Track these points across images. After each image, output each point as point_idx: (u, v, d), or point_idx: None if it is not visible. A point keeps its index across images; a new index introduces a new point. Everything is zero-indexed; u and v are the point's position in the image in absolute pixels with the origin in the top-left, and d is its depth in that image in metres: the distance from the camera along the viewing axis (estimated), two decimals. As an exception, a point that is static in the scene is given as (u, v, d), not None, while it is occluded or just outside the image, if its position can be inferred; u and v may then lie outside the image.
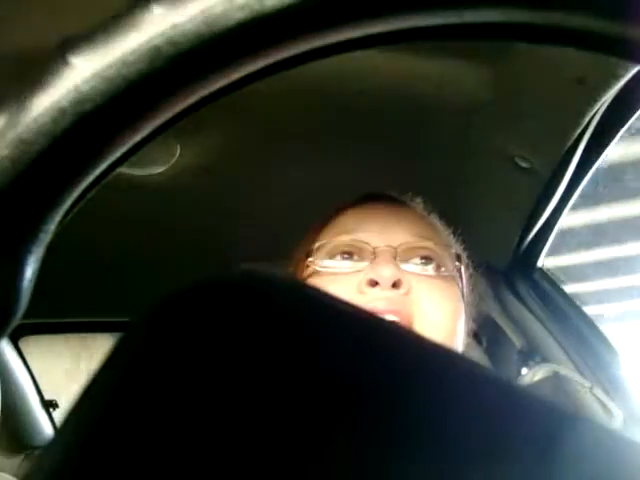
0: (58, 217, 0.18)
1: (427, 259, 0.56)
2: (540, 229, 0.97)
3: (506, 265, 1.05)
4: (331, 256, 0.57)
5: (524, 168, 0.85)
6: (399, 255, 0.54)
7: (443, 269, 0.56)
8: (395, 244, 0.55)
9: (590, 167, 0.84)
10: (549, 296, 1.03)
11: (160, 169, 0.87)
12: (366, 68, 0.69)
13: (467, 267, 0.61)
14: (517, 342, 1.04)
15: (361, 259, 0.55)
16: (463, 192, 0.92)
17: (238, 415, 0.12)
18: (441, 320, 0.53)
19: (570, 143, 0.79)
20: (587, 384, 0.69)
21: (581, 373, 0.92)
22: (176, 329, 0.13)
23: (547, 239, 0.99)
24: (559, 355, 0.97)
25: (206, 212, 1.01)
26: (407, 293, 0.52)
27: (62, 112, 0.16)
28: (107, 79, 0.16)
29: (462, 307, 0.56)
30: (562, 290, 1.03)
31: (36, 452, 1.39)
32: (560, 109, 0.74)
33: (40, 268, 0.18)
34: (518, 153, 0.83)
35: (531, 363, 0.99)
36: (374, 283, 0.52)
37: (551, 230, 0.97)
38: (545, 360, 0.97)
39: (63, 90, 0.16)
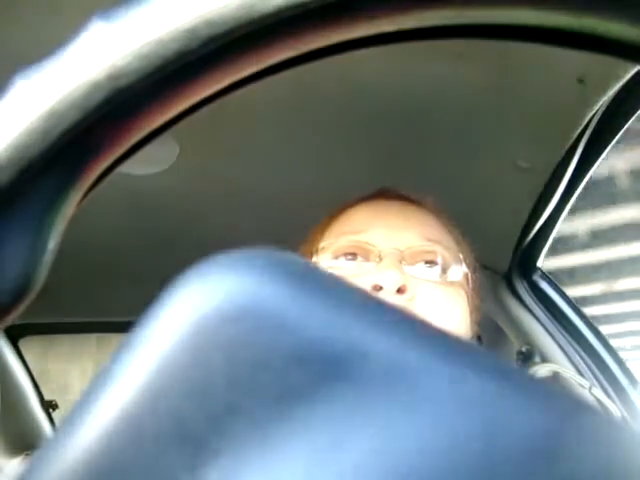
0: (79, 197, 0.18)
1: (433, 263, 0.54)
2: (540, 230, 0.97)
3: (506, 266, 1.05)
4: (336, 256, 0.56)
5: (524, 168, 0.85)
6: (405, 259, 0.53)
7: (449, 274, 0.55)
8: (402, 247, 0.53)
9: (590, 167, 0.85)
10: (548, 297, 1.03)
11: (160, 169, 0.87)
12: (366, 68, 0.69)
13: (473, 270, 0.61)
14: (516, 342, 1.04)
15: (366, 261, 0.54)
16: (463, 192, 0.92)
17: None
18: (445, 326, 0.52)
19: (570, 143, 0.79)
20: (586, 384, 0.69)
21: (580, 373, 0.92)
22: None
23: (547, 240, 0.99)
24: (558, 355, 0.97)
25: (206, 212, 1.01)
26: (411, 299, 0.51)
27: (96, 86, 0.16)
28: (143, 56, 0.16)
29: (468, 312, 0.56)
30: (561, 291, 1.03)
31: (35, 452, 1.39)
32: (560, 109, 0.74)
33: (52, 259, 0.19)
34: (518, 153, 0.83)
35: (530, 363, 0.99)
36: (379, 288, 0.51)
37: (551, 231, 0.97)
38: (544, 360, 0.97)
39: (98, 64, 0.16)
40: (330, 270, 0.55)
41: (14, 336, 1.39)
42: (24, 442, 1.39)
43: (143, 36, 0.16)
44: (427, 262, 0.54)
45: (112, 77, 0.16)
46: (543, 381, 0.13)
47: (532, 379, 0.13)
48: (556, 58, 0.66)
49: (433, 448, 0.12)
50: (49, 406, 1.51)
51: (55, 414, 1.52)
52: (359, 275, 0.53)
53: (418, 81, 0.72)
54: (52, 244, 0.18)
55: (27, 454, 1.37)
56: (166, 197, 0.95)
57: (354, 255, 0.55)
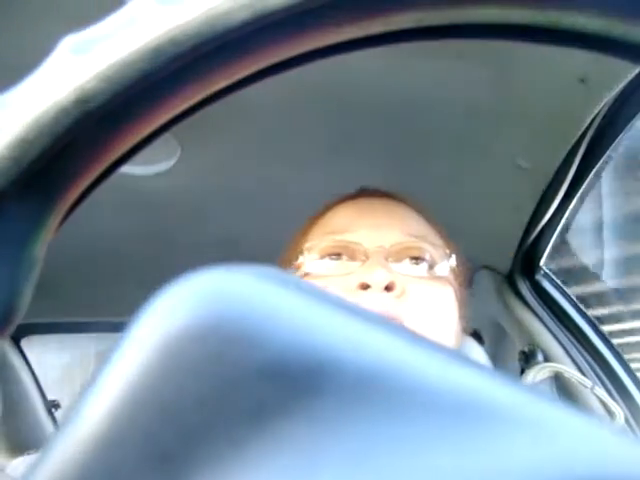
0: (59, 217, 0.18)
1: (419, 259, 0.54)
2: (542, 230, 0.97)
3: (508, 265, 1.05)
4: (321, 257, 0.55)
5: (526, 169, 0.85)
6: (391, 256, 0.53)
7: (436, 269, 0.54)
8: (387, 244, 0.53)
9: (592, 167, 0.84)
10: (551, 296, 1.03)
11: (160, 169, 0.87)
12: (366, 68, 0.69)
13: (460, 265, 0.60)
14: (519, 342, 1.04)
15: (352, 260, 0.54)
16: (465, 192, 0.92)
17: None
18: (434, 321, 0.52)
19: (572, 143, 0.79)
20: (588, 384, 0.69)
21: (582, 373, 0.92)
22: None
23: (549, 240, 0.99)
24: (561, 355, 0.97)
25: (206, 212, 1.01)
26: (400, 295, 0.51)
27: (65, 111, 0.16)
28: (109, 78, 0.16)
29: (455, 307, 0.55)
30: (564, 290, 1.03)
31: (38, 452, 1.40)
32: (562, 109, 0.74)
33: (40, 268, 0.18)
34: (520, 154, 0.83)
35: (533, 363, 0.99)
36: (366, 286, 0.50)
37: (553, 231, 0.97)
38: (547, 360, 0.97)
39: (65, 89, 0.16)
40: (316, 271, 0.54)
41: (15, 336, 1.40)
42: (26, 442, 1.39)
43: (109, 58, 0.16)
44: (413, 258, 0.54)
45: (80, 101, 0.16)
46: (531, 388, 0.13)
47: (513, 386, 0.13)
48: (558, 58, 0.66)
49: (410, 464, 0.11)
50: (51, 405, 1.51)
51: (57, 413, 1.52)
52: (346, 275, 0.52)
53: (419, 81, 0.72)
54: (34, 266, 0.17)
55: (29, 454, 1.37)
56: (166, 197, 0.95)
57: (339, 255, 0.55)
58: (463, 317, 0.58)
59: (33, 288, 0.18)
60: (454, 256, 0.58)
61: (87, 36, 0.16)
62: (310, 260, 0.55)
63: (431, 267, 0.54)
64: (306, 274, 0.55)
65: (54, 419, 1.51)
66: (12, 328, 0.18)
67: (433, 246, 0.55)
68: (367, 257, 0.52)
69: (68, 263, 1.01)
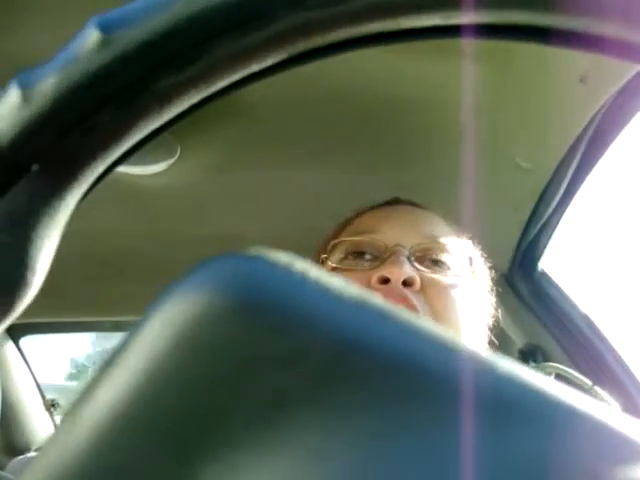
0: (75, 200, 0.18)
1: (440, 262, 0.56)
2: (541, 229, 0.97)
3: (507, 265, 1.05)
4: (346, 254, 0.58)
5: (525, 168, 0.85)
6: (412, 255, 0.54)
7: (455, 272, 0.56)
8: (409, 244, 0.55)
9: (592, 167, 0.84)
10: (550, 296, 1.03)
11: (159, 168, 0.87)
12: (366, 68, 0.69)
13: (481, 270, 0.62)
14: (518, 341, 1.04)
15: (375, 258, 0.56)
16: (463, 192, 0.92)
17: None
18: (450, 323, 0.52)
19: (571, 143, 0.79)
20: (588, 383, 0.69)
21: (582, 372, 0.92)
22: None
23: (548, 240, 0.99)
24: (560, 355, 0.97)
25: (206, 212, 1.01)
26: (419, 291, 0.52)
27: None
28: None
29: (475, 311, 0.56)
30: (562, 290, 1.03)
31: (37, 452, 1.40)
32: (561, 109, 0.74)
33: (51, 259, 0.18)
34: (519, 153, 0.83)
35: (532, 363, 0.99)
36: (386, 280, 0.52)
37: (552, 231, 0.97)
38: (546, 359, 0.97)
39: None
40: (341, 266, 0.57)
41: (15, 335, 1.40)
42: (25, 441, 1.39)
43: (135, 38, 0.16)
44: (434, 259, 0.56)
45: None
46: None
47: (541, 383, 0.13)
48: (558, 58, 0.66)
49: (430, 452, 0.11)
50: (50, 405, 1.51)
51: (56, 413, 1.52)
52: (368, 270, 0.54)
53: (419, 80, 0.72)
54: (48, 246, 0.17)
55: (28, 453, 1.37)
56: (165, 196, 0.95)
57: (363, 253, 0.57)
58: (486, 324, 0.59)
59: (44, 277, 0.18)
60: (475, 262, 0.59)
61: (115, 15, 0.16)
62: (336, 256, 0.58)
63: (451, 268, 0.56)
64: (332, 268, 0.58)
65: (53, 418, 1.51)
66: (18, 307, 0.17)
67: (454, 249, 0.57)
68: (389, 255, 0.54)
69: (68, 262, 1.01)
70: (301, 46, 0.17)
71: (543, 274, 1.05)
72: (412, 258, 0.54)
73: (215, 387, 0.13)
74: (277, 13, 0.16)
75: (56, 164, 0.17)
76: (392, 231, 0.57)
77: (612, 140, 0.79)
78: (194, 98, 0.17)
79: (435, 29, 0.18)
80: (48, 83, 0.16)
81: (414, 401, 0.12)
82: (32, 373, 1.47)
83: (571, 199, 0.90)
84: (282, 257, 0.14)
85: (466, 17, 0.17)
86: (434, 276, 0.54)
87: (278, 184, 0.93)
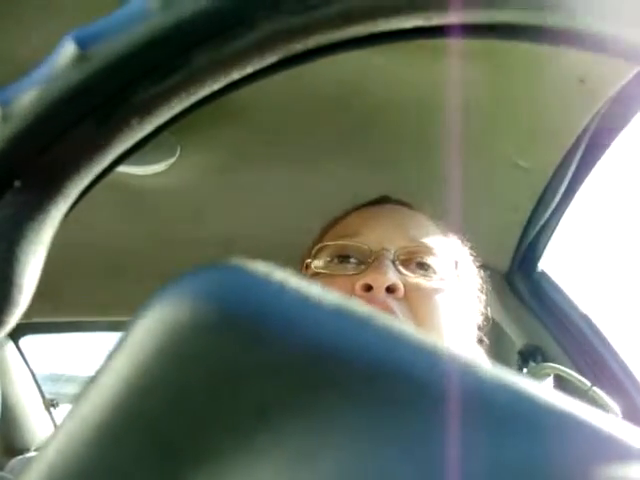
0: (61, 212, 0.18)
1: (425, 265, 0.55)
2: (540, 230, 0.97)
3: (506, 265, 1.05)
4: (331, 258, 0.57)
5: (525, 168, 0.85)
6: (398, 259, 0.54)
7: (441, 275, 0.55)
8: (394, 248, 0.54)
9: (591, 167, 0.84)
10: (549, 296, 1.03)
11: (159, 168, 0.87)
12: (366, 68, 0.69)
13: (471, 273, 0.61)
14: (517, 342, 1.04)
15: (359, 262, 0.55)
16: (464, 192, 0.92)
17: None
18: (434, 328, 0.52)
19: (571, 143, 0.79)
20: (587, 384, 0.69)
21: (581, 373, 0.92)
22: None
23: (548, 240, 0.99)
24: (559, 355, 0.97)
25: (206, 212, 1.01)
26: (402, 298, 0.52)
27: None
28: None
29: (461, 314, 0.56)
30: (562, 290, 1.03)
31: (36, 452, 1.40)
32: (561, 109, 0.74)
33: (41, 268, 0.18)
34: (519, 153, 0.83)
35: (531, 363, 0.99)
36: (369, 287, 0.51)
37: (552, 231, 0.97)
38: (545, 360, 0.97)
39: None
40: (325, 270, 0.56)
41: (15, 335, 1.39)
42: (24, 442, 1.39)
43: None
44: (419, 263, 0.55)
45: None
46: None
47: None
48: (557, 58, 0.66)
49: (415, 456, 0.11)
50: (50, 405, 1.51)
51: (56, 413, 1.52)
52: (352, 275, 0.53)
53: (418, 80, 0.72)
54: (32, 269, 0.17)
55: (27, 453, 1.37)
56: (165, 196, 0.95)
57: (348, 257, 0.56)
58: (474, 326, 0.59)
59: (34, 287, 0.18)
60: (462, 263, 0.58)
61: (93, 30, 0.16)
62: (320, 260, 0.57)
63: (437, 272, 0.55)
64: (315, 273, 0.57)
65: (53, 418, 1.51)
66: (9, 323, 0.18)
67: (441, 252, 0.56)
68: (373, 259, 0.53)
69: (68, 263, 1.01)
70: (282, 52, 0.17)
71: (543, 274, 1.05)
72: (397, 262, 0.53)
73: (197, 397, 0.13)
74: (255, 21, 0.16)
75: (38, 179, 0.17)
76: (377, 234, 0.56)
77: (612, 140, 0.79)
78: (176, 108, 0.17)
79: (435, 29, 0.18)
80: (26, 99, 0.16)
81: (396, 407, 0.12)
82: (32, 373, 1.47)
83: (571, 199, 0.90)
84: (261, 267, 0.14)
85: (444, 18, 0.17)
86: (418, 281, 0.53)
87: (277, 184, 0.93)
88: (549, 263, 1.05)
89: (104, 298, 1.25)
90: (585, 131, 0.77)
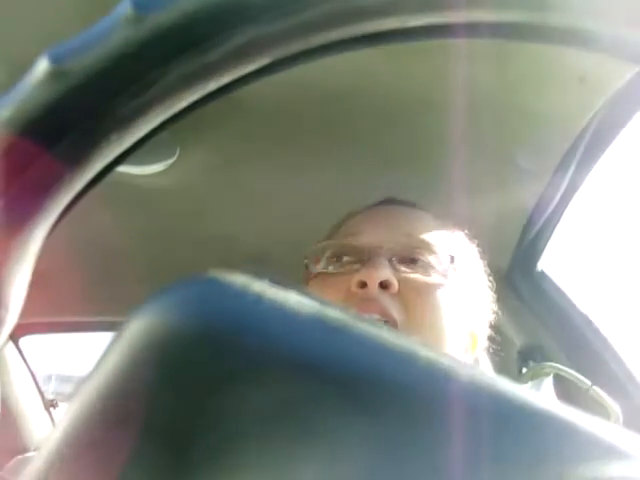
0: (45, 230, 0.17)
1: (422, 261, 0.55)
2: (540, 230, 0.97)
3: (506, 265, 1.05)
4: (329, 259, 0.58)
5: (525, 168, 0.85)
6: (394, 256, 0.54)
7: (440, 272, 0.55)
8: (389, 246, 0.54)
9: (591, 167, 0.84)
10: (549, 296, 1.03)
11: (160, 169, 0.87)
12: (365, 68, 0.69)
13: (475, 270, 0.61)
14: (517, 341, 1.04)
15: (356, 260, 0.55)
16: (463, 193, 0.92)
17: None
18: (428, 323, 0.52)
19: (571, 143, 0.79)
20: (587, 383, 0.69)
21: (581, 372, 0.92)
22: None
23: (548, 239, 0.99)
24: (559, 354, 0.97)
25: (205, 212, 1.01)
26: (396, 294, 0.52)
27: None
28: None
29: (458, 312, 0.55)
30: (562, 290, 1.03)
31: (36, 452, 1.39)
32: (561, 108, 0.74)
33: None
34: (519, 153, 0.83)
35: (531, 362, 0.99)
36: (363, 284, 0.52)
37: (551, 231, 0.97)
38: (545, 359, 0.97)
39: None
40: (324, 271, 0.57)
41: (14, 335, 1.39)
42: (24, 442, 1.39)
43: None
44: (416, 259, 0.55)
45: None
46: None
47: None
48: (557, 58, 0.66)
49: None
50: (50, 405, 1.51)
51: (56, 413, 1.52)
52: (348, 274, 0.54)
53: (418, 80, 0.72)
54: (21, 276, 0.17)
55: (27, 454, 1.37)
56: (165, 196, 0.95)
57: (345, 256, 0.57)
58: (472, 322, 0.58)
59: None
60: (462, 259, 0.58)
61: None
62: (319, 261, 0.58)
63: (434, 269, 0.55)
64: (314, 274, 0.58)
65: (53, 419, 1.51)
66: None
67: (439, 249, 0.56)
68: (369, 257, 0.54)
69: (67, 263, 1.01)
70: (261, 60, 0.17)
71: (542, 274, 1.05)
72: (393, 259, 0.54)
73: (178, 410, 0.13)
74: (230, 31, 0.16)
75: (20, 197, 0.17)
76: (373, 233, 0.57)
77: (612, 140, 0.79)
78: (156, 120, 0.17)
79: (435, 29, 0.18)
80: (2, 118, 0.16)
81: (375, 415, 0.12)
82: (32, 373, 1.47)
83: (571, 199, 0.90)
84: (238, 279, 0.14)
85: (443, 18, 0.17)
86: (415, 277, 0.54)
87: (276, 184, 0.93)
88: (549, 263, 1.05)
89: (104, 298, 1.25)
90: (585, 131, 0.77)
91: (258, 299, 0.14)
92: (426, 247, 0.56)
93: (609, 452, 0.11)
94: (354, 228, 0.59)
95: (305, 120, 0.80)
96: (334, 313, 0.14)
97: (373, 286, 0.51)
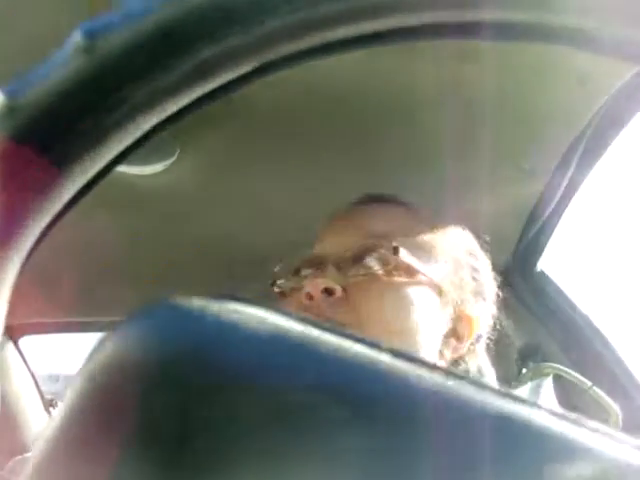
0: (42, 222, 0.17)
1: (380, 260, 0.52)
2: (540, 229, 0.97)
3: (506, 265, 1.05)
4: (288, 275, 0.57)
5: (524, 168, 0.85)
6: (345, 260, 0.52)
7: (396, 267, 0.52)
8: (343, 250, 0.53)
9: (591, 167, 0.85)
10: (549, 296, 1.03)
11: (159, 169, 0.87)
12: (366, 68, 0.69)
13: (456, 268, 0.58)
14: (517, 342, 1.04)
15: (317, 271, 0.54)
16: (463, 192, 0.92)
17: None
18: (377, 322, 0.50)
19: (571, 143, 0.79)
20: (587, 383, 0.69)
21: (581, 373, 0.92)
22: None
23: (547, 239, 0.99)
24: (559, 354, 0.97)
25: (205, 212, 1.01)
26: (343, 298, 0.50)
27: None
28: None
29: (431, 313, 0.53)
30: (561, 290, 1.03)
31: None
32: (561, 109, 0.74)
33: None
34: (518, 153, 0.83)
35: (531, 363, 0.99)
36: (310, 296, 0.50)
37: (551, 230, 0.97)
38: (545, 360, 0.97)
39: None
40: (285, 288, 0.55)
41: (14, 335, 1.39)
42: (24, 442, 1.39)
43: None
44: (362, 259, 0.52)
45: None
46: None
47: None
48: (557, 58, 0.66)
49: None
50: (50, 405, 1.51)
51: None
52: (299, 287, 0.53)
53: (418, 81, 0.72)
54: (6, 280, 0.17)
55: (27, 453, 1.37)
56: (164, 197, 0.95)
57: (301, 269, 0.56)
58: (450, 319, 0.55)
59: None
60: (444, 257, 0.56)
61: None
62: (285, 278, 0.57)
63: (396, 268, 0.52)
64: (280, 293, 0.56)
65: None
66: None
67: (405, 245, 0.53)
68: (317, 267, 0.53)
69: (67, 263, 1.01)
70: (229, 74, 0.17)
71: (542, 274, 1.05)
72: (341, 264, 0.52)
73: (140, 434, 0.13)
74: (200, 44, 0.16)
75: (10, 202, 0.17)
76: (330, 239, 0.55)
77: (611, 140, 0.79)
78: (144, 127, 0.17)
79: (434, 28, 0.18)
80: None
81: (336, 429, 0.12)
82: (31, 373, 1.47)
83: (570, 199, 0.91)
84: (196, 302, 0.14)
85: (443, 18, 0.17)
86: (362, 278, 0.51)
87: (276, 184, 0.93)
88: (549, 263, 1.05)
89: (103, 298, 1.25)
90: (585, 131, 0.77)
91: (217, 320, 0.14)
92: (374, 245, 0.53)
93: (579, 454, 0.12)
94: (320, 235, 0.58)
95: (305, 120, 0.80)
96: (293, 327, 0.14)
97: (317, 295, 0.50)
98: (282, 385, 0.13)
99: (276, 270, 0.58)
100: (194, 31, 0.16)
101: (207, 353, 0.13)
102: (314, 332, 0.14)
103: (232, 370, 0.13)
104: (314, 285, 0.50)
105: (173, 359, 0.13)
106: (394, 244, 0.52)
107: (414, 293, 0.52)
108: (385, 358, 0.13)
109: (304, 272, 0.55)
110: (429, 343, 0.52)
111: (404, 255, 0.52)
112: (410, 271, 0.53)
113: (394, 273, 0.52)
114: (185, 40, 0.16)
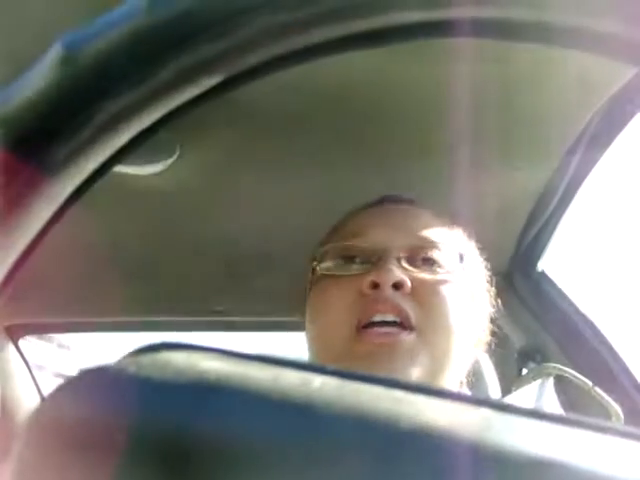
0: (36, 226, 0.17)
1: (430, 260, 0.55)
2: (541, 230, 0.97)
3: (506, 265, 1.05)
4: (336, 259, 0.58)
5: (524, 168, 0.85)
6: (403, 257, 0.54)
7: (447, 269, 0.55)
8: (399, 246, 0.55)
9: (591, 167, 0.84)
10: (549, 296, 1.03)
11: (159, 169, 0.87)
12: (366, 68, 0.69)
13: (479, 270, 0.62)
14: (517, 342, 1.04)
15: (365, 262, 0.55)
16: (463, 192, 0.92)
17: None
18: (443, 321, 0.53)
19: (570, 144, 0.79)
20: (588, 384, 0.69)
21: (581, 373, 0.92)
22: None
23: (548, 240, 0.99)
24: (559, 355, 0.97)
25: (205, 212, 1.01)
26: (409, 294, 0.52)
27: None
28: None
29: (468, 308, 0.56)
30: (562, 290, 1.03)
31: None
32: (561, 109, 0.74)
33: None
34: (518, 154, 0.83)
35: (531, 363, 0.99)
36: (375, 285, 0.52)
37: (552, 231, 0.97)
38: (545, 360, 0.97)
39: None
40: (331, 272, 0.57)
41: (14, 336, 1.39)
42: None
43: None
44: (424, 258, 0.55)
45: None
46: None
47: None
48: (557, 58, 0.66)
49: None
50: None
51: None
52: (358, 275, 0.54)
53: (419, 80, 0.72)
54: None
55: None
56: (165, 197, 0.95)
57: (353, 257, 0.57)
58: (482, 319, 0.59)
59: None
60: (468, 257, 0.59)
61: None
62: (326, 262, 0.58)
63: (444, 268, 0.55)
64: (322, 276, 0.58)
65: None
66: None
67: (447, 248, 0.57)
68: (379, 258, 0.54)
69: (67, 263, 1.01)
70: (209, 80, 0.17)
71: (543, 274, 1.05)
72: (401, 259, 0.54)
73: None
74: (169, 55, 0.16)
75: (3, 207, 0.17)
76: (379, 233, 0.57)
77: (612, 140, 0.79)
78: (135, 129, 0.17)
79: (434, 28, 0.18)
80: None
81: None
82: (31, 373, 1.47)
83: (570, 199, 0.90)
84: (128, 365, 0.15)
85: (442, 16, 0.17)
86: (424, 276, 0.54)
87: (277, 184, 0.93)
88: (549, 263, 1.04)
89: (103, 298, 1.25)
90: (585, 131, 0.77)
91: (146, 381, 0.14)
92: (435, 246, 0.56)
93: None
94: (358, 229, 0.59)
95: (305, 120, 0.80)
96: (215, 376, 0.14)
97: (386, 287, 0.52)
98: (200, 440, 0.13)
99: (315, 252, 0.59)
100: (171, 38, 0.16)
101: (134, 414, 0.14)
102: (239, 377, 0.14)
103: (153, 425, 0.14)
104: (383, 277, 0.52)
105: (105, 422, 0.14)
106: (459, 250, 0.57)
107: (465, 297, 0.56)
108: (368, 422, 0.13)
109: (355, 261, 0.56)
110: (470, 341, 0.57)
111: (463, 259, 0.57)
112: (463, 275, 0.56)
113: (449, 273, 0.55)
114: (162, 48, 0.16)
